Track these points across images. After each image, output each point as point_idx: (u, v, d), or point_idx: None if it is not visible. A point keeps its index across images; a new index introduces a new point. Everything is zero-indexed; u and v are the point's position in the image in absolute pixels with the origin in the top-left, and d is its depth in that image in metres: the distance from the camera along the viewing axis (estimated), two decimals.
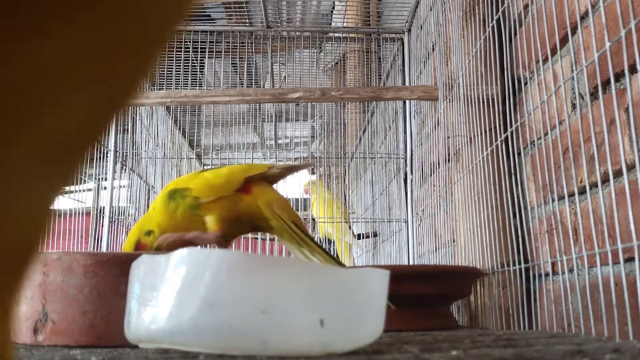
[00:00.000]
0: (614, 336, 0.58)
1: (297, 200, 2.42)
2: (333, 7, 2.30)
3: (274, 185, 0.87)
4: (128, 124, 1.98)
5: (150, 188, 2.08)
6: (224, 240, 0.79)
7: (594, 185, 0.70)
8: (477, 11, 1.07)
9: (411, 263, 1.62)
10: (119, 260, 0.57)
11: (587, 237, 0.72)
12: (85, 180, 2.62)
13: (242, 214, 0.81)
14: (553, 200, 0.78)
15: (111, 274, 0.57)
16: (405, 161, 1.76)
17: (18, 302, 0.16)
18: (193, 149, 2.56)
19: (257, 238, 2.04)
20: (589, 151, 0.71)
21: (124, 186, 1.98)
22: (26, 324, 0.56)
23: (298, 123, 2.72)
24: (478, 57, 1.01)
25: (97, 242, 2.00)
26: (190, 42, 1.85)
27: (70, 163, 0.14)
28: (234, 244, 0.88)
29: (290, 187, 2.27)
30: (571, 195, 0.76)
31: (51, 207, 0.15)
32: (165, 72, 1.97)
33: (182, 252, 0.43)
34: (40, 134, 0.13)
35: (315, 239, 1.16)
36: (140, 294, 0.45)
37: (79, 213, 2.13)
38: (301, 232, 0.80)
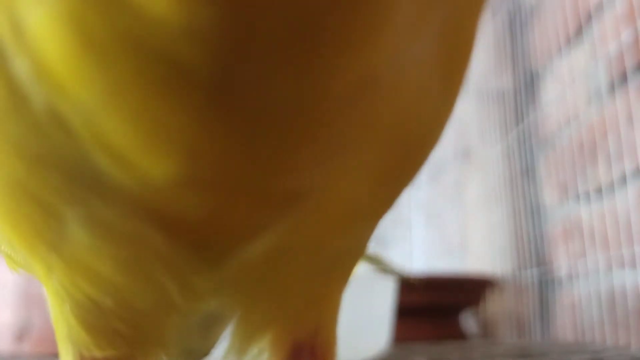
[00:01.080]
0: (632, 344, 0.56)
1: None
2: None
3: None
4: None
5: None
6: None
7: (612, 185, 0.67)
8: (488, 0, 1.04)
9: (419, 270, 1.59)
10: None
11: (605, 240, 0.69)
12: None
13: None
14: (569, 201, 0.75)
15: None
16: None
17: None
18: None
19: None
20: (607, 149, 0.68)
21: None
22: (10, 331, 0.54)
23: None
24: (489, 48, 0.98)
25: None
26: None
27: None
28: None
29: None
30: (588, 195, 0.73)
31: None
32: None
33: None
34: None
35: None
36: None
37: None
38: None
